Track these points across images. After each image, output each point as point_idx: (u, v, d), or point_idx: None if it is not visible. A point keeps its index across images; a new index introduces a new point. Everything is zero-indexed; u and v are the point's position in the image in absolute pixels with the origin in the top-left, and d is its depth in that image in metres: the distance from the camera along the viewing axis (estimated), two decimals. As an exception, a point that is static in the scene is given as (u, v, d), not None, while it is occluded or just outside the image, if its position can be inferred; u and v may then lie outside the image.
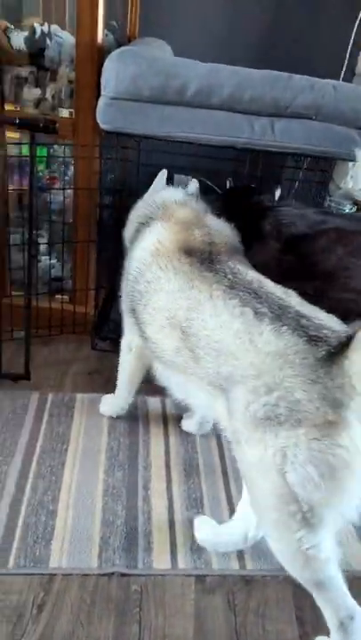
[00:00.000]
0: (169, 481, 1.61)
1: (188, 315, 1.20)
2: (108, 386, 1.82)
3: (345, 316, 1.39)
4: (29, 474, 1.56)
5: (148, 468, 1.64)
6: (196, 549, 1.41)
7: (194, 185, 1.60)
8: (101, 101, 1.71)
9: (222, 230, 1.39)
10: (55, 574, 1.31)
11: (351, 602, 1.13)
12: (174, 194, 1.52)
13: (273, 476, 1.00)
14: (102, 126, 1.74)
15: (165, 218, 1.40)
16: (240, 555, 1.41)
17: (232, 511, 1.52)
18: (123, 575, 1.33)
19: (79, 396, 1.89)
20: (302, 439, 0.97)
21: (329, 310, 1.24)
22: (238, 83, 1.66)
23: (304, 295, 1.16)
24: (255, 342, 1.05)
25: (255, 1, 2.78)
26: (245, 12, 2.80)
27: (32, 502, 1.47)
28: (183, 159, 1.91)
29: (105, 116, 1.71)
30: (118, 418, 1.80)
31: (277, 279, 1.20)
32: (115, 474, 1.60)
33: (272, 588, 1.35)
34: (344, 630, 1.12)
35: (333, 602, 1.12)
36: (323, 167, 1.92)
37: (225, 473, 1.66)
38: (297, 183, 1.91)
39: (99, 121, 1.73)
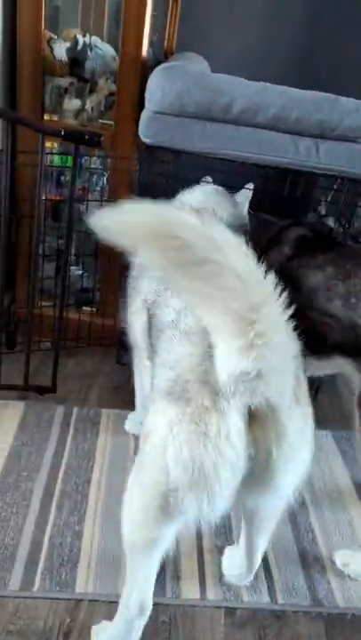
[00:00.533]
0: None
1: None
2: (134, 401, 1.78)
3: (322, 343, 1.38)
4: (55, 491, 1.52)
5: (175, 491, 1.59)
6: (225, 580, 1.36)
7: (245, 193, 1.62)
8: (145, 115, 1.69)
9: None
10: (82, 600, 1.26)
11: (149, 596, 1.12)
12: (194, 198, 1.57)
13: (157, 447, 0.97)
14: (144, 140, 1.72)
15: None
16: (271, 588, 1.36)
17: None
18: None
19: (104, 411, 1.86)
20: (186, 418, 0.95)
21: (305, 331, 1.08)
22: (285, 103, 1.63)
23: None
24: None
25: (292, 19, 2.78)
26: (282, 29, 2.80)
27: (57, 522, 1.43)
28: (216, 175, 1.88)
29: (148, 130, 1.69)
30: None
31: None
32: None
33: (303, 624, 1.31)
34: (128, 618, 1.13)
35: (137, 584, 1.12)
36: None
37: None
38: (338, 205, 1.88)
39: (141, 134, 1.71)
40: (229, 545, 1.44)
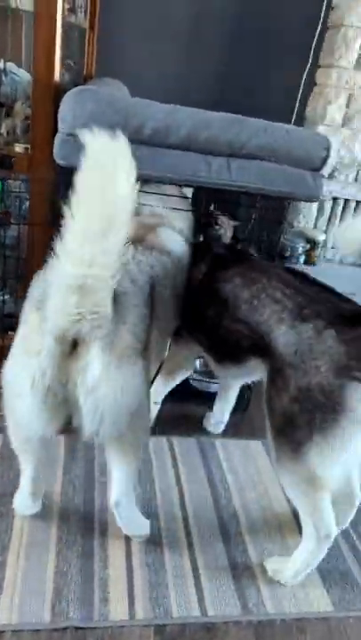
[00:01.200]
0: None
1: None
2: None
3: (238, 348, 1.50)
4: (-22, 522, 1.47)
5: (104, 512, 1.57)
6: (155, 597, 1.35)
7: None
8: (58, 137, 1.70)
9: (166, 237, 1.59)
10: (4, 631, 1.22)
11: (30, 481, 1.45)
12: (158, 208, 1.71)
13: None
14: (58, 161, 1.72)
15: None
16: (201, 600, 1.36)
17: (190, 544, 1.48)
18: (77, 629, 1.25)
19: (32, 436, 1.81)
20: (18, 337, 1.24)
21: (222, 339, 1.56)
22: (195, 124, 1.69)
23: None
24: None
25: (210, 46, 2.89)
26: (200, 56, 2.91)
27: (-20, 553, 1.39)
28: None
29: (61, 152, 1.70)
30: (75, 459, 1.74)
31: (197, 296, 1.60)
32: (70, 519, 1.53)
33: (234, 634, 1.31)
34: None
35: (25, 474, 1.45)
36: (276, 206, 1.96)
37: (184, 508, 1.61)
38: (252, 221, 1.94)
39: (55, 156, 1.72)
40: (159, 561, 1.43)
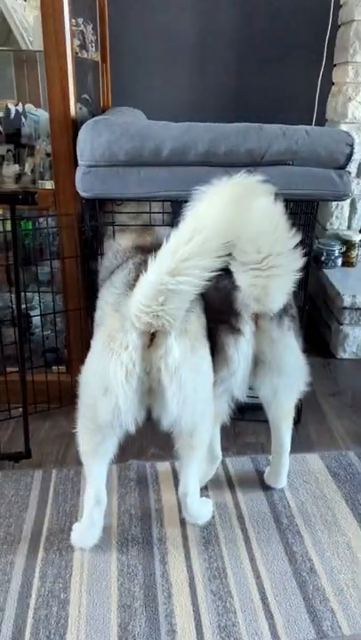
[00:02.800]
0: (187, 552, 1.50)
1: None
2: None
3: None
4: (37, 561, 1.46)
5: (164, 540, 1.54)
6: (224, 626, 1.30)
7: None
8: (79, 170, 1.73)
9: None
10: (72, 673, 1.20)
11: (102, 490, 1.48)
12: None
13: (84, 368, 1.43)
14: (82, 194, 1.74)
15: None
16: (272, 627, 1.30)
17: (258, 577, 1.42)
18: (146, 665, 1.21)
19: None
20: (100, 335, 1.38)
21: None
22: (212, 138, 1.68)
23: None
24: None
25: (220, 60, 2.90)
26: (213, 72, 2.92)
27: (42, 593, 1.37)
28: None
29: (83, 184, 1.72)
30: (127, 488, 1.72)
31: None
32: (129, 550, 1.50)
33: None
34: (89, 510, 1.50)
35: (91, 483, 1.48)
36: (306, 210, 1.91)
37: (247, 539, 1.56)
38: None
39: (78, 189, 1.74)
40: (224, 588, 1.38)
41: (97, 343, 1.35)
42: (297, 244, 1.39)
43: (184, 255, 1.21)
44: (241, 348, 1.44)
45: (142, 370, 1.30)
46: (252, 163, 1.70)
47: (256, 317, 1.44)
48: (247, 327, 1.44)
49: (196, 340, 1.35)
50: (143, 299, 1.25)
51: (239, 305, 1.43)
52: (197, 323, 1.38)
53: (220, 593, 1.38)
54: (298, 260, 1.40)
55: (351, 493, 1.73)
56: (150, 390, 1.32)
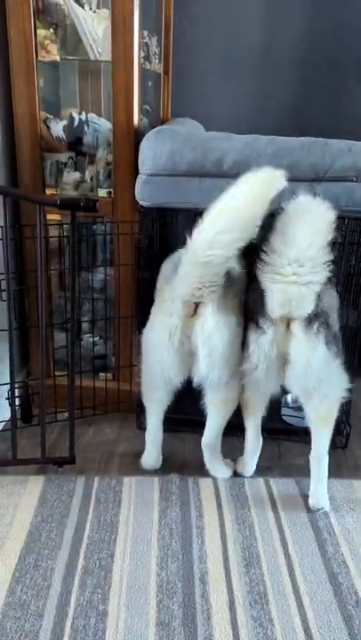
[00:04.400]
0: (228, 573, 1.46)
1: None
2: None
3: None
4: (77, 569, 1.45)
5: (204, 559, 1.50)
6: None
7: None
8: (140, 179, 1.73)
9: None
10: None
11: (160, 425, 1.84)
12: None
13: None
14: (141, 202, 1.75)
15: None
16: (315, 661, 1.24)
17: (300, 605, 1.36)
18: None
19: (126, 479, 1.79)
20: (156, 310, 1.69)
21: None
22: (275, 152, 1.65)
23: None
24: None
25: (282, 77, 2.88)
26: (274, 89, 2.89)
27: (81, 602, 1.35)
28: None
29: (143, 193, 1.72)
30: (168, 502, 1.69)
31: None
32: (168, 566, 1.47)
33: None
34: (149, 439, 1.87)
35: (151, 423, 1.85)
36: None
37: (289, 562, 1.50)
38: (342, 245, 1.85)
39: (137, 197, 1.75)
40: (266, 614, 1.33)
41: (153, 309, 1.65)
42: (329, 260, 1.48)
43: (213, 231, 1.43)
44: (262, 347, 1.55)
45: (184, 333, 1.56)
46: (315, 178, 1.67)
47: (288, 320, 1.53)
48: (271, 328, 1.54)
49: (230, 315, 1.57)
50: (184, 273, 1.50)
51: (267, 307, 1.53)
52: (233, 302, 1.58)
53: (260, 619, 1.33)
54: (324, 273, 1.49)
55: None
56: (190, 352, 1.58)
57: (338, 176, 1.67)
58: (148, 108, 2.43)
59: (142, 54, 2.20)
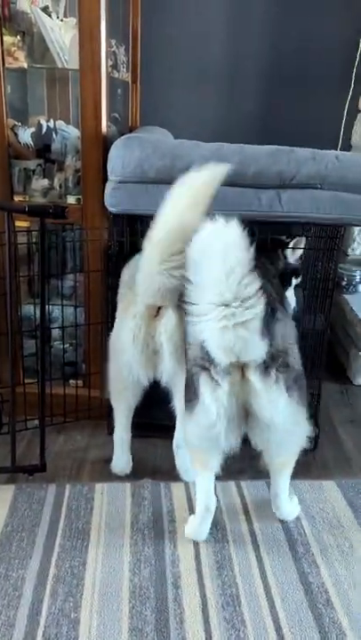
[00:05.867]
0: (200, 576, 1.47)
1: None
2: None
3: None
4: (48, 578, 1.44)
5: (177, 563, 1.51)
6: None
7: None
8: (108, 185, 1.74)
9: None
10: None
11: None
12: None
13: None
14: (110, 209, 1.76)
15: None
16: (287, 660, 1.26)
17: (272, 606, 1.38)
18: None
19: (98, 485, 1.78)
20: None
21: None
22: (242, 159, 1.68)
23: None
24: None
25: (248, 86, 2.93)
26: (240, 98, 2.95)
27: (52, 611, 1.34)
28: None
29: (112, 199, 1.73)
30: (140, 507, 1.69)
31: None
32: (141, 571, 1.47)
33: None
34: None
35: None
36: (331, 234, 1.91)
37: (260, 563, 1.52)
38: (305, 251, 1.89)
39: (106, 204, 1.76)
40: (238, 616, 1.34)
41: (117, 314, 1.70)
42: (257, 289, 1.27)
43: (156, 240, 1.48)
44: (220, 401, 1.36)
45: (148, 334, 1.59)
46: (280, 185, 1.70)
47: (243, 366, 1.34)
48: (226, 379, 1.35)
49: (184, 314, 1.51)
50: (143, 280, 1.55)
51: (212, 354, 1.34)
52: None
53: (233, 621, 1.35)
54: (259, 304, 1.27)
55: (369, 524, 1.69)
56: (155, 351, 1.60)
57: (303, 183, 1.71)
58: (117, 116, 2.45)
59: (110, 62, 2.21)
